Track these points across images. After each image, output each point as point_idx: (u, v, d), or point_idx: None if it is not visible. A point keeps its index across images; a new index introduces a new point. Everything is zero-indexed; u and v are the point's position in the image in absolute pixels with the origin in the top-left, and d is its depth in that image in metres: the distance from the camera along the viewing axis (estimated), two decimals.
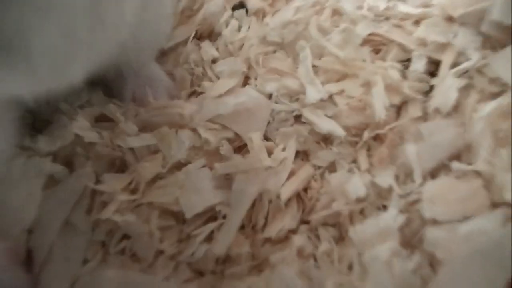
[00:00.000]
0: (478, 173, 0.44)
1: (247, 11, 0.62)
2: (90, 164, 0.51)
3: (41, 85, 0.40)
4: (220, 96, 0.53)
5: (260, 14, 0.61)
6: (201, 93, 0.55)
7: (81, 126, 0.52)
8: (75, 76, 0.42)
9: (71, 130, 0.52)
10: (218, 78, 0.56)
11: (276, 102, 0.52)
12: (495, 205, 0.43)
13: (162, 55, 0.61)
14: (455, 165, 0.45)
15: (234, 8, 0.63)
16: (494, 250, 0.40)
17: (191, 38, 0.60)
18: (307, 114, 0.51)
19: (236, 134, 0.51)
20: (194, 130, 0.52)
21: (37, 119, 0.55)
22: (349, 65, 0.52)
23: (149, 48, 0.56)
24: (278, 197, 0.48)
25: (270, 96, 0.53)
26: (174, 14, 0.62)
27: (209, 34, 0.62)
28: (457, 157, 0.46)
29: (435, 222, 0.43)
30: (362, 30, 0.53)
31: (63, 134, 0.52)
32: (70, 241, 0.48)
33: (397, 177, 0.47)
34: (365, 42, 0.53)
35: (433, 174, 0.46)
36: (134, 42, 0.49)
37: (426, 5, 0.55)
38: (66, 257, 0.48)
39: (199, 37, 0.62)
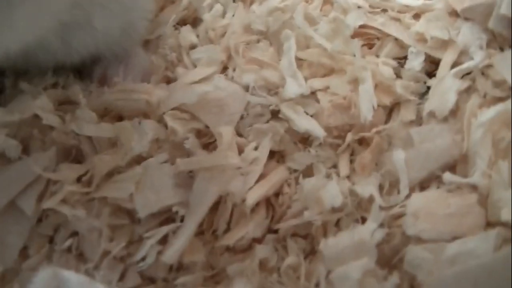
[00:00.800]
0: (473, 187, 0.39)
1: None
2: (47, 150, 0.46)
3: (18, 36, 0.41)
4: (192, 84, 0.48)
5: (248, 0, 0.55)
6: (174, 80, 0.50)
7: (43, 106, 0.48)
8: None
9: (31, 107, 0.47)
10: (194, 66, 0.51)
11: (253, 95, 0.47)
12: (490, 224, 0.38)
13: (145, 42, 0.56)
14: (448, 176, 0.40)
15: None
16: (484, 276, 0.35)
17: (170, 23, 0.55)
18: (285, 109, 0.45)
19: (207, 127, 0.46)
20: (159, 120, 0.46)
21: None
22: (337, 58, 0.47)
23: (126, 39, 0.52)
24: (243, 201, 0.42)
25: (247, 89, 0.47)
26: None
27: (193, 20, 0.57)
28: (451, 167, 0.41)
29: (419, 240, 0.38)
30: (353, 20, 0.48)
31: (22, 108, 0.47)
32: (11, 226, 0.44)
33: (380, 187, 0.42)
34: (357, 34, 0.48)
35: (422, 185, 0.41)
36: (104, 35, 0.49)
37: None
38: (3, 241, 0.43)
39: (183, 23, 0.57)
